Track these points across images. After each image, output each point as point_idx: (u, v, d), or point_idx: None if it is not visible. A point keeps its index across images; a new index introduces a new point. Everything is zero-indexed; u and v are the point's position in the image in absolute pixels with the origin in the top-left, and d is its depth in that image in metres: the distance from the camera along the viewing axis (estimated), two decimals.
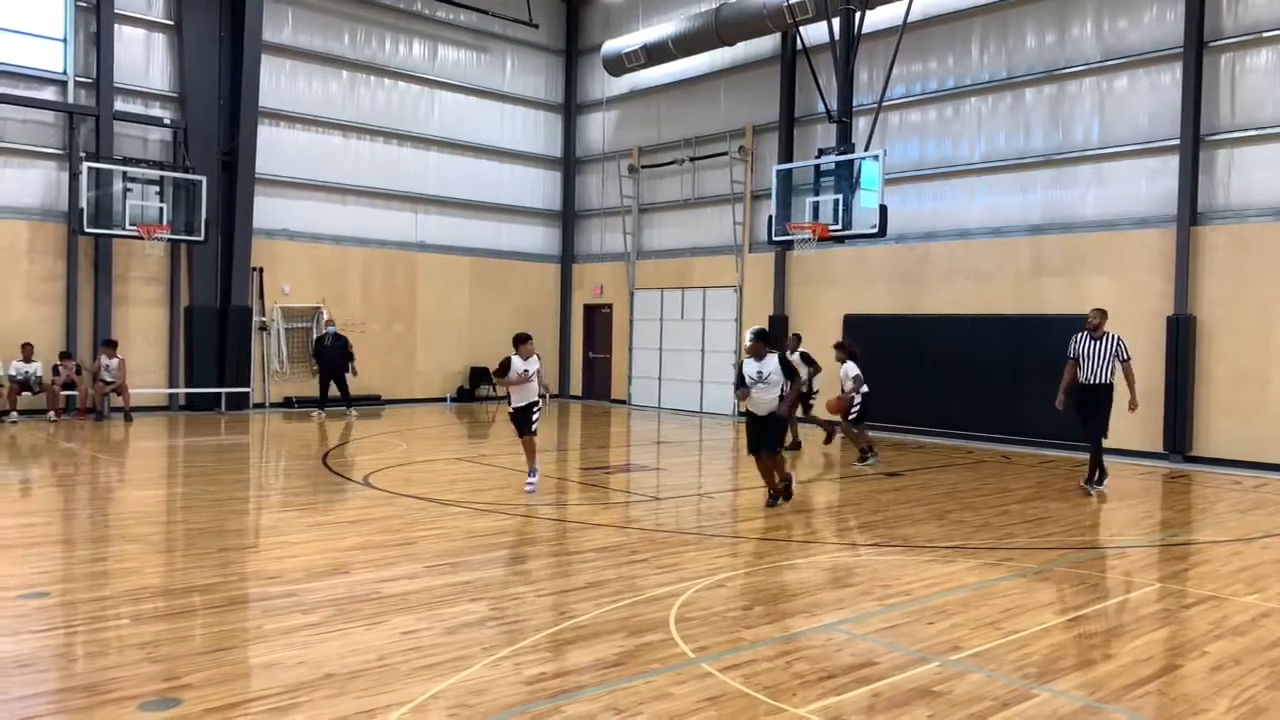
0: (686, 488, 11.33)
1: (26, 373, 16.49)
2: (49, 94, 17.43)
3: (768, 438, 9.55)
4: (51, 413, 16.53)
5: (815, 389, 14.99)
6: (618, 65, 21.47)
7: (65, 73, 17.51)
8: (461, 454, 13.88)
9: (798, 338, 15.84)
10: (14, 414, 16.11)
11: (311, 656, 4.98)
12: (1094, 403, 10.62)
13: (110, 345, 17.05)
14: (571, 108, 24.29)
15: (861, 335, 17.44)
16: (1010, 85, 16.15)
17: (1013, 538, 8.53)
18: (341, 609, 5.86)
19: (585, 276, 24.14)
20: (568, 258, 24.48)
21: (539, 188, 24.10)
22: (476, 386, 22.55)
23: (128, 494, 10.41)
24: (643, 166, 22.37)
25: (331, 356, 18.21)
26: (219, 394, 18.71)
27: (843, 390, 13.13)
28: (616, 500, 10.38)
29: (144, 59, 18.42)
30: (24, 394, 16.35)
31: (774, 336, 12.85)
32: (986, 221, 16.45)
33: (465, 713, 4.30)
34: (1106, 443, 11.03)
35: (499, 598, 6.16)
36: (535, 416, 10.44)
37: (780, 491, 9.78)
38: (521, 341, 10.43)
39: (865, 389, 13.04)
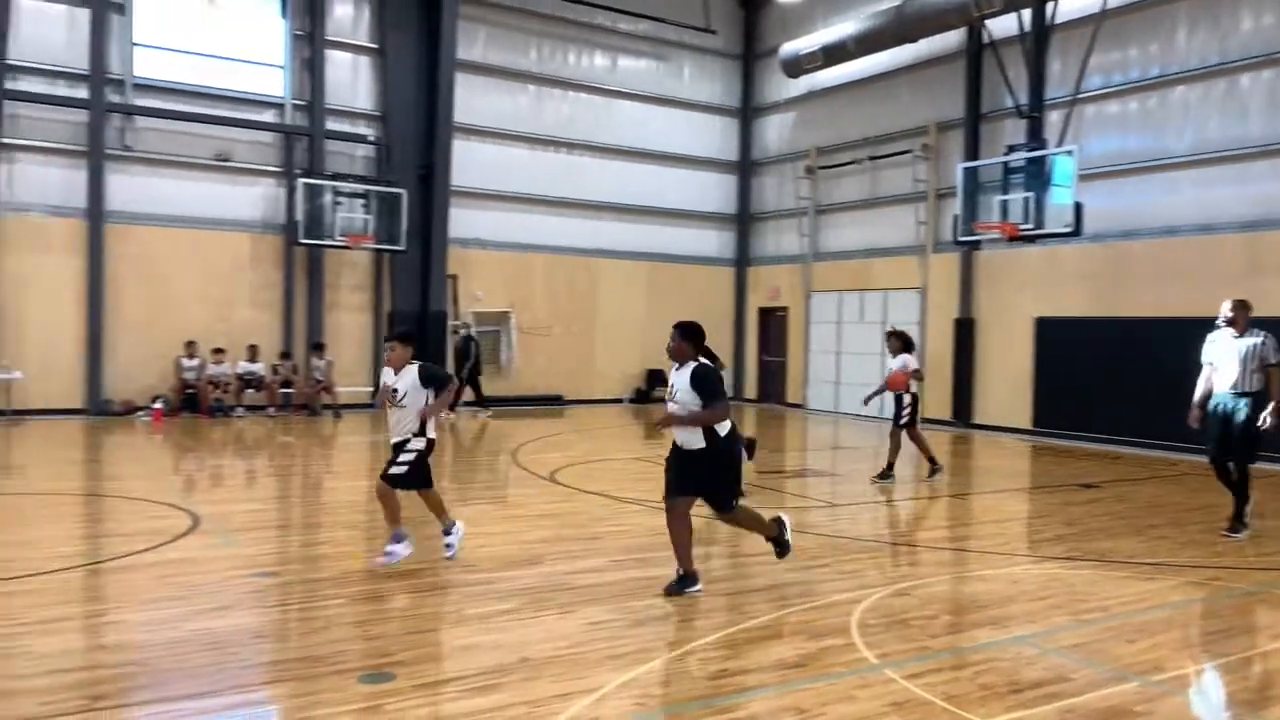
0: (866, 494, 11.19)
1: (251, 372, 18.13)
2: (269, 116, 19.08)
3: (692, 483, 6.42)
4: (271, 408, 18.09)
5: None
6: (795, 67, 21.37)
7: (284, 97, 19.11)
8: (639, 453, 14.21)
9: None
10: (240, 409, 17.75)
11: (508, 641, 5.31)
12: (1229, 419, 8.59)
13: (319, 347, 18.51)
14: (748, 111, 24.35)
15: (1054, 338, 16.60)
16: (1224, 71, 15.01)
17: (1221, 556, 7.98)
18: (535, 598, 6.19)
19: (760, 279, 24.14)
20: (743, 261, 24.55)
21: (715, 192, 24.30)
22: (653, 388, 22.98)
23: (338, 484, 11.29)
24: (820, 167, 22.16)
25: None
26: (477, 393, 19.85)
27: (901, 381, 11.47)
28: (793, 505, 10.38)
29: (351, 81, 19.85)
30: (248, 391, 17.99)
31: (697, 333, 6.40)
32: (1194, 218, 15.33)
33: (651, 703, 4.49)
34: None
35: (681, 595, 6.34)
36: (403, 462, 6.87)
37: (775, 542, 6.86)
38: (395, 341, 7.14)
39: (915, 390, 11.65)
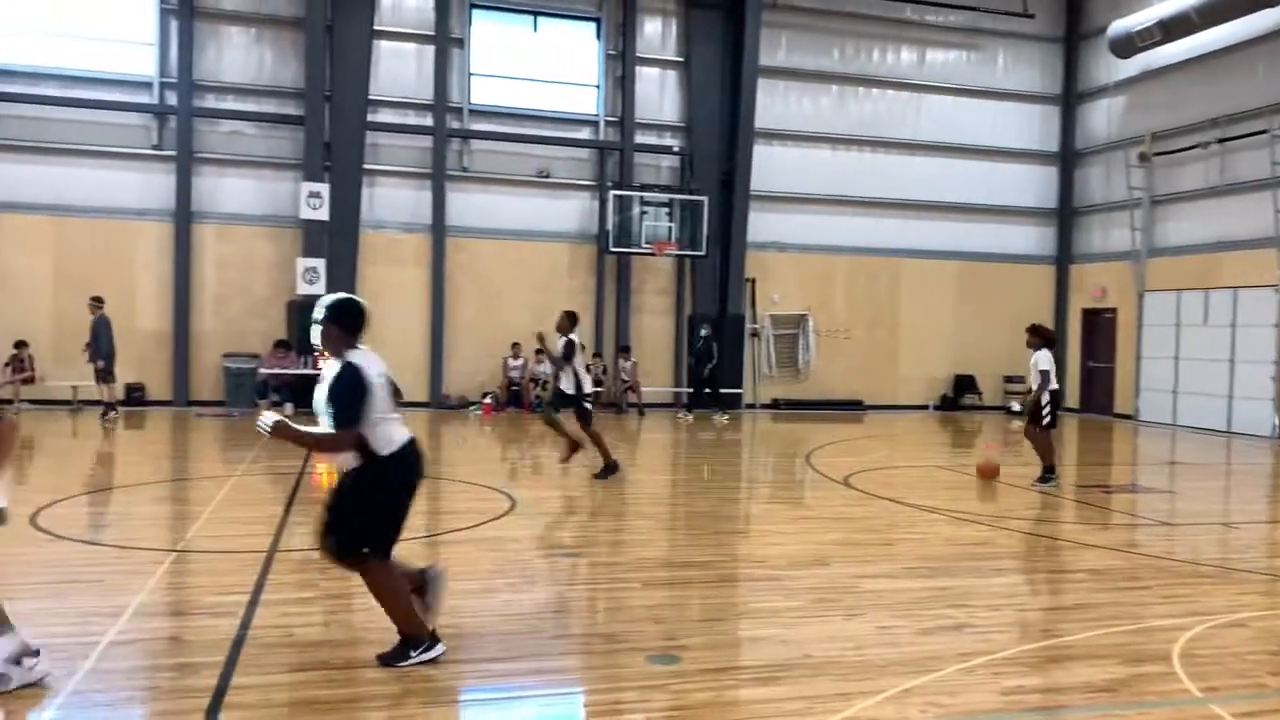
0: (1206, 515, 9.97)
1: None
2: (585, 134, 20.38)
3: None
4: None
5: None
6: (1127, 46, 19.50)
7: (597, 114, 20.33)
8: (943, 462, 13.62)
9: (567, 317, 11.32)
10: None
11: (793, 637, 5.31)
12: None
13: (625, 350, 19.49)
14: (1070, 97, 22.53)
15: None
16: None
17: None
18: (821, 598, 6.14)
19: (1084, 278, 22.22)
20: (1064, 258, 22.73)
21: (1032, 185, 22.71)
22: (961, 395, 21.90)
23: (640, 477, 11.82)
24: (1155, 154, 20.02)
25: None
26: (715, 394, 20.34)
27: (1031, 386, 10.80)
28: (1117, 522, 9.48)
29: (658, 95, 20.71)
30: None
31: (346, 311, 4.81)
32: None
33: (936, 711, 4.31)
34: None
35: (977, 607, 6.01)
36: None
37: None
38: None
39: (1055, 386, 10.72)
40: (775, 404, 21.02)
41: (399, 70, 19.18)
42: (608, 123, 20.36)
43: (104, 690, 4.34)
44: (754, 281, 20.95)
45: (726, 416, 18.66)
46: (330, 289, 17.70)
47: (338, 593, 6.05)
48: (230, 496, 9.35)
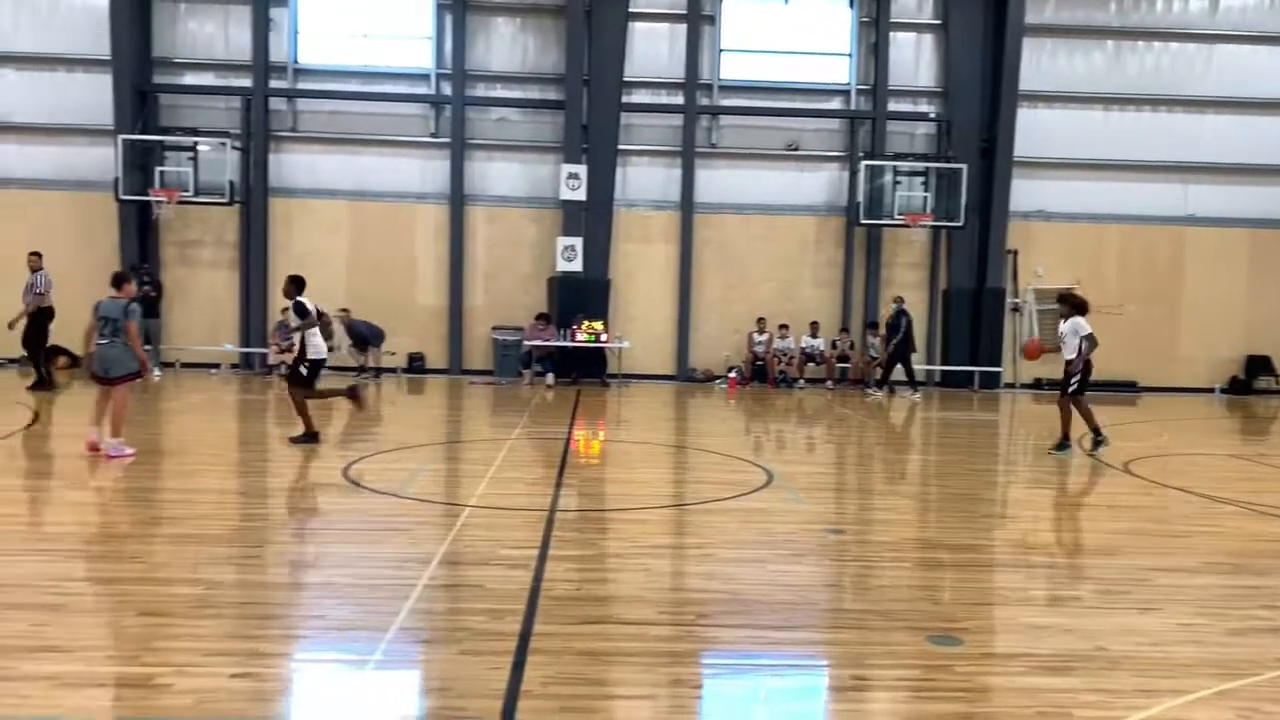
0: None
1: (813, 346, 19.30)
2: (835, 104, 20.01)
3: None
4: (829, 381, 19.09)
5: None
6: None
7: (849, 83, 19.89)
8: (1236, 450, 12.40)
9: None
10: (801, 381, 19.02)
11: (1081, 627, 5.07)
12: None
13: (874, 326, 19.03)
14: None
15: None
16: None
17: None
18: (1109, 589, 5.81)
19: None
20: None
21: None
22: (1254, 377, 19.77)
23: (892, 456, 11.59)
24: None
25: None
26: (971, 373, 19.51)
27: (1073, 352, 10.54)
28: None
29: (913, 60, 19.97)
30: (810, 365, 19.20)
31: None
32: None
33: (1260, 717, 3.99)
34: None
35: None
36: None
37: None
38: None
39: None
40: (1038, 384, 19.86)
41: (652, 51, 19.62)
42: (859, 91, 19.89)
43: (425, 628, 4.85)
44: (1016, 253, 19.84)
45: (917, 395, 17.78)
46: (586, 266, 18.58)
47: (616, 552, 6.39)
48: (508, 458, 10.06)
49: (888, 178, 19.15)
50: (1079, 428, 11.21)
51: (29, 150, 19.01)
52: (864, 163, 19.02)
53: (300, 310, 10.52)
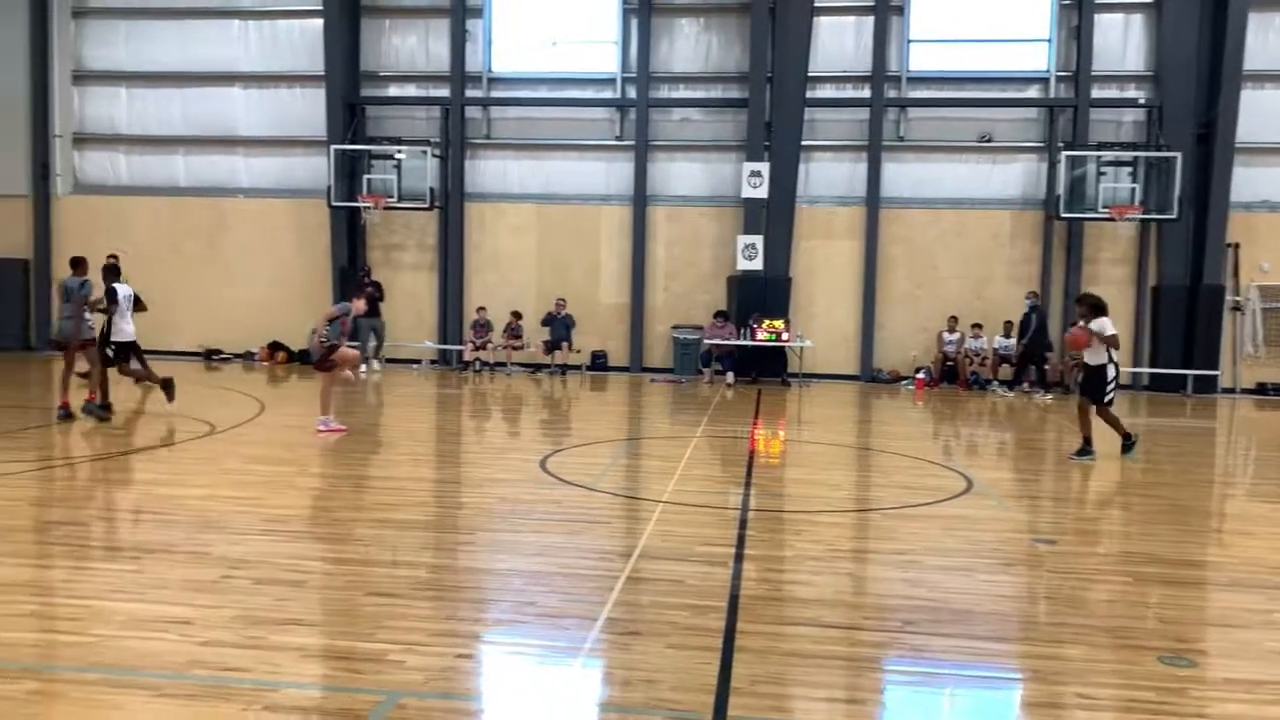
0: None
1: (1007, 347, 18.40)
2: (1032, 92, 19.05)
3: None
4: (1025, 384, 18.14)
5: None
6: None
7: (1048, 70, 18.89)
8: None
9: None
10: (995, 383, 18.17)
11: None
12: None
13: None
14: None
15: None
16: None
17: None
18: None
19: None
20: None
21: None
22: None
23: (1103, 463, 10.91)
24: None
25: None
26: (1184, 376, 18.12)
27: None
28: None
29: (1120, 43, 18.73)
30: (1003, 366, 18.33)
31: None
32: None
33: None
34: None
35: None
36: None
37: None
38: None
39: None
40: (1261, 389, 18.23)
41: (837, 44, 19.29)
42: (1059, 78, 18.84)
43: (632, 620, 4.96)
44: (1237, 247, 18.29)
45: (1050, 397, 16.81)
46: (767, 265, 18.48)
47: (814, 554, 6.34)
48: (694, 456, 10.14)
49: (1090, 168, 18.05)
50: (1098, 429, 10.46)
51: (254, 161, 20.72)
52: (1064, 153, 17.99)
53: (110, 295, 11.64)
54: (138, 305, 11.98)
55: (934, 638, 4.81)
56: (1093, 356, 10.25)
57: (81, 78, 20.99)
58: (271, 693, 3.93)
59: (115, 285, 11.68)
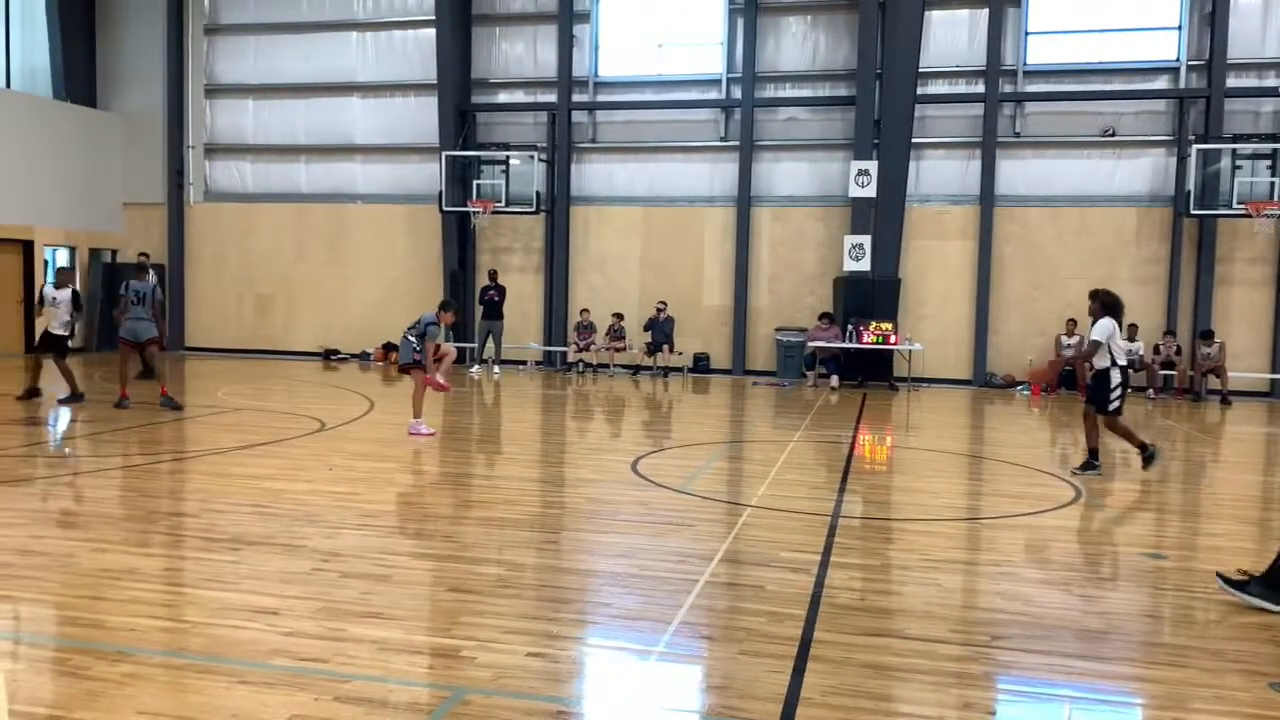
0: None
1: (1131, 351, 17.50)
2: (1160, 83, 18.06)
3: None
4: (1150, 390, 17.24)
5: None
6: None
7: (1178, 60, 17.89)
8: None
9: None
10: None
11: None
12: None
13: (1207, 336, 16.95)
14: None
15: None
16: None
17: None
18: None
19: None
20: None
21: None
22: None
23: (1226, 475, 10.27)
24: None
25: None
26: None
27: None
28: None
29: (1259, 29, 17.58)
30: (1129, 371, 17.41)
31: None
32: None
33: None
34: None
35: None
36: None
37: None
38: None
39: (1122, 363, 9.35)
40: None
41: (949, 39, 18.72)
42: (1190, 68, 17.82)
43: (707, 625, 4.90)
44: None
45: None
46: (875, 265, 18.08)
47: (903, 563, 6.14)
48: (789, 460, 9.98)
49: (1225, 162, 17.00)
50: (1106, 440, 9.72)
51: (370, 168, 21.45)
52: (1195, 146, 17.00)
53: (76, 299, 12.68)
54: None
55: (1022, 654, 4.59)
56: (1098, 361, 9.49)
57: (213, 91, 22.15)
58: (343, 684, 4.03)
59: (75, 288, 12.98)
